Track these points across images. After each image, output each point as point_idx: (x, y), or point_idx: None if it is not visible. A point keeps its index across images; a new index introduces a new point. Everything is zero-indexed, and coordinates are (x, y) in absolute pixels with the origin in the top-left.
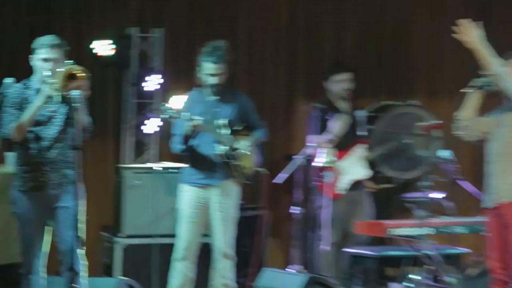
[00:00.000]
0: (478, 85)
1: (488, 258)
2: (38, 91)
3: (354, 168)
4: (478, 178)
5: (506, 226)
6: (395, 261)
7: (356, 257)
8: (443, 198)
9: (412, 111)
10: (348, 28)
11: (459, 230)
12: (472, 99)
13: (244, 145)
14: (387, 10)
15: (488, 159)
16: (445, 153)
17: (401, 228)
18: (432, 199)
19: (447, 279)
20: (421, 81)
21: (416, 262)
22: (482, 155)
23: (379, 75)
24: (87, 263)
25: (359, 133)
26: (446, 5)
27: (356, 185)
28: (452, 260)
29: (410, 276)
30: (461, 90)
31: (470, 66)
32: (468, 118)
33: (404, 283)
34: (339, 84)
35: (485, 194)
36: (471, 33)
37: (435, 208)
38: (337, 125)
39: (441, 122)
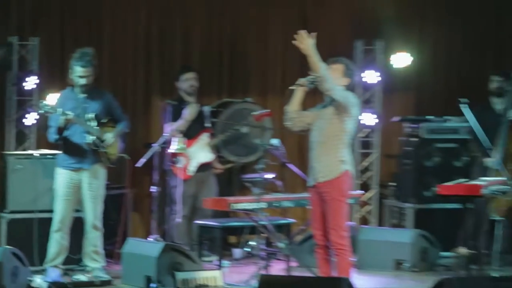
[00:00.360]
0: (302, 83)
1: (312, 227)
2: None
3: (200, 153)
4: (302, 162)
5: (324, 201)
6: (237, 231)
7: (204, 228)
8: (274, 178)
9: (248, 106)
10: (194, 34)
11: (287, 204)
12: (298, 95)
13: (109, 135)
14: (226, 19)
15: (310, 146)
16: (275, 141)
17: (241, 203)
18: (265, 179)
19: (278, 244)
20: (255, 81)
21: (254, 231)
22: (305, 143)
23: (221, 76)
24: None
25: (205, 124)
26: (273, 16)
27: (203, 167)
28: (282, 229)
29: (249, 242)
30: (289, 88)
31: (294, 68)
32: (294, 111)
33: (244, 249)
34: (187, 82)
35: (308, 175)
36: (306, 42)
37: (268, 186)
38: (188, 113)
39: (269, 111)
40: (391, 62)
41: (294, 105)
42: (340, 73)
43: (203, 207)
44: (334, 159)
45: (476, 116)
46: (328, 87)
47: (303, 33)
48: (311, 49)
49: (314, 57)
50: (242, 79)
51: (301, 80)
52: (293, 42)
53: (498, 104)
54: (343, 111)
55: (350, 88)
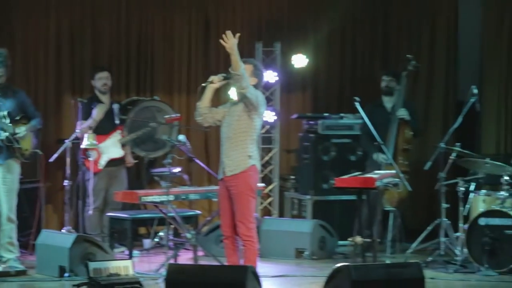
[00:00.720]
0: (213, 80)
1: (220, 218)
2: None
3: (112, 148)
4: (207, 157)
5: (232, 194)
6: (146, 222)
7: (115, 220)
8: (181, 172)
9: (156, 104)
10: (104, 34)
11: (194, 197)
12: (209, 92)
13: (23, 131)
14: (134, 20)
15: (221, 141)
16: (181, 137)
17: (151, 196)
18: (173, 173)
19: (186, 235)
20: (161, 80)
21: (162, 222)
22: (211, 139)
23: (129, 74)
24: None
25: (116, 121)
26: (178, 19)
27: (114, 162)
28: (189, 220)
29: (158, 233)
30: (201, 85)
31: (198, 67)
32: (205, 107)
33: (154, 239)
34: (100, 81)
35: (219, 169)
36: (230, 41)
37: (176, 180)
38: (96, 113)
39: (179, 115)
40: (292, 63)
41: (205, 101)
42: (249, 73)
43: (114, 200)
44: (241, 154)
45: (368, 114)
46: (244, 86)
47: (228, 33)
48: (234, 48)
49: (236, 56)
50: (149, 78)
51: (213, 78)
52: (220, 40)
53: (388, 102)
54: (252, 109)
55: (257, 88)
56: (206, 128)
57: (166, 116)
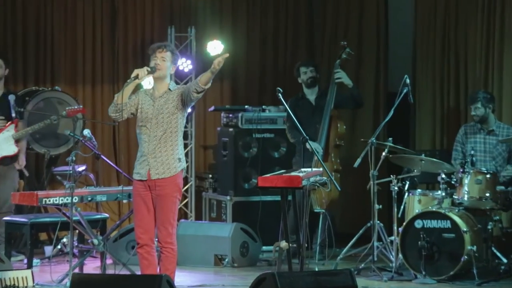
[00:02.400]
0: (139, 76)
1: (134, 223)
2: None
3: (3, 145)
4: (116, 154)
5: (156, 197)
6: (48, 227)
7: (11, 224)
8: (86, 170)
9: (57, 95)
10: None
11: (101, 198)
12: (131, 87)
13: None
14: (32, 5)
15: (143, 138)
16: (86, 132)
17: (52, 198)
18: (77, 171)
19: (92, 241)
20: (63, 70)
21: (66, 227)
22: (119, 134)
23: (27, 63)
24: None
25: (12, 114)
26: (82, 6)
27: (5, 161)
28: (96, 224)
29: (62, 239)
30: (128, 81)
31: (105, 58)
32: (124, 103)
33: (57, 246)
34: None
35: (136, 168)
36: (221, 65)
37: (80, 179)
38: None
39: (81, 107)
40: (208, 50)
41: (125, 96)
42: (170, 60)
43: (7, 202)
44: (171, 156)
45: (291, 108)
46: (202, 93)
47: (226, 56)
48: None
49: (214, 74)
50: (49, 66)
51: (137, 72)
52: (215, 62)
53: (311, 94)
54: (185, 108)
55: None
56: (114, 122)
57: (68, 108)
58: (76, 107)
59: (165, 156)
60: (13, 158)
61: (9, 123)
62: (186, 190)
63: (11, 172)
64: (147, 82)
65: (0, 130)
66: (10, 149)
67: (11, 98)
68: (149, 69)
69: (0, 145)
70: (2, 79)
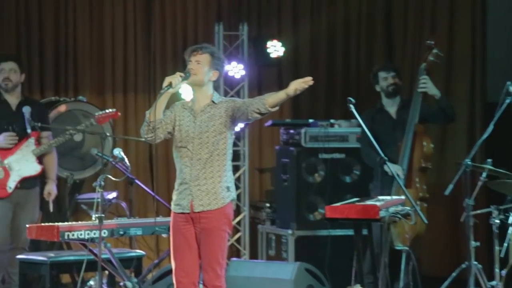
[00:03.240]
0: (173, 85)
1: (173, 262)
2: None
3: (23, 163)
4: (153, 177)
5: (201, 231)
6: (71, 267)
7: (28, 264)
8: (117, 198)
9: (82, 107)
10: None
11: (135, 232)
12: (164, 100)
13: None
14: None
15: (183, 162)
16: (116, 151)
17: (76, 231)
18: (106, 199)
19: (125, 283)
20: (88, 76)
21: (93, 267)
22: (157, 153)
23: (44, 69)
24: None
25: (27, 130)
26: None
27: (27, 183)
28: (130, 263)
29: (88, 282)
30: (160, 92)
31: (139, 62)
32: (158, 120)
33: None
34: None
35: (176, 197)
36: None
37: (111, 209)
38: None
39: (114, 110)
40: (265, 51)
41: (158, 112)
42: (207, 65)
43: (28, 236)
44: (218, 185)
45: (366, 121)
46: (265, 115)
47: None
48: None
49: (285, 99)
50: (72, 73)
51: (170, 80)
52: (294, 87)
53: (391, 106)
54: (234, 125)
55: (218, 83)
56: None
57: (98, 114)
58: (107, 111)
59: (211, 184)
60: (35, 179)
61: (26, 137)
62: (239, 223)
63: (33, 197)
64: (185, 92)
65: (16, 146)
66: (31, 168)
67: (26, 110)
68: (182, 74)
69: (18, 164)
70: (18, 86)
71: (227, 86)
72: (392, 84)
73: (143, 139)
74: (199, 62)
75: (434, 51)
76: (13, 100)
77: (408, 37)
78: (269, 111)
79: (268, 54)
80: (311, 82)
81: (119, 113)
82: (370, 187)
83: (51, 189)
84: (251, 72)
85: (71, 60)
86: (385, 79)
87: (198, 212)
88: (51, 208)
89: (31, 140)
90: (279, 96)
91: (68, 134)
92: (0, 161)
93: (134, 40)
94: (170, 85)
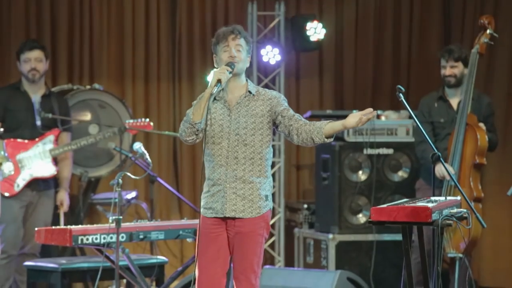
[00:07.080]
0: (221, 79)
1: (199, 269)
2: None
3: (36, 162)
4: (177, 174)
5: (234, 233)
6: (85, 275)
7: (36, 272)
8: (137, 198)
9: (98, 96)
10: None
11: (157, 236)
12: (207, 97)
13: None
14: None
15: (216, 160)
16: (136, 146)
17: (91, 235)
18: (125, 199)
19: None
20: (106, 63)
21: (110, 275)
22: (181, 148)
23: (55, 55)
24: None
25: (37, 122)
26: None
27: (39, 184)
28: (151, 271)
29: None
30: (208, 88)
31: (162, 48)
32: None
33: None
34: (26, 64)
35: (206, 200)
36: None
37: (130, 210)
38: None
39: (147, 120)
40: (305, 34)
41: (203, 112)
42: (246, 50)
43: (36, 240)
44: (257, 192)
45: (421, 111)
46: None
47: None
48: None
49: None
50: (87, 59)
51: (221, 77)
52: (356, 120)
53: (453, 96)
54: (273, 127)
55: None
56: (175, 133)
57: (128, 122)
58: (139, 120)
59: (248, 189)
60: (49, 182)
61: (45, 134)
62: (273, 226)
63: (46, 201)
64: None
65: (32, 141)
66: (45, 169)
67: (35, 100)
68: (228, 68)
69: (32, 163)
70: (44, 76)
71: (261, 73)
72: (449, 76)
73: (182, 140)
74: (240, 49)
75: (488, 31)
76: (35, 90)
77: (467, 18)
78: (324, 142)
79: (308, 37)
80: (371, 115)
81: (152, 124)
82: (416, 186)
83: (63, 198)
84: (288, 58)
85: (87, 43)
86: (443, 68)
87: (233, 219)
88: (62, 223)
89: (51, 138)
90: (335, 127)
91: (100, 135)
92: (12, 154)
93: (157, 22)
94: (219, 81)
